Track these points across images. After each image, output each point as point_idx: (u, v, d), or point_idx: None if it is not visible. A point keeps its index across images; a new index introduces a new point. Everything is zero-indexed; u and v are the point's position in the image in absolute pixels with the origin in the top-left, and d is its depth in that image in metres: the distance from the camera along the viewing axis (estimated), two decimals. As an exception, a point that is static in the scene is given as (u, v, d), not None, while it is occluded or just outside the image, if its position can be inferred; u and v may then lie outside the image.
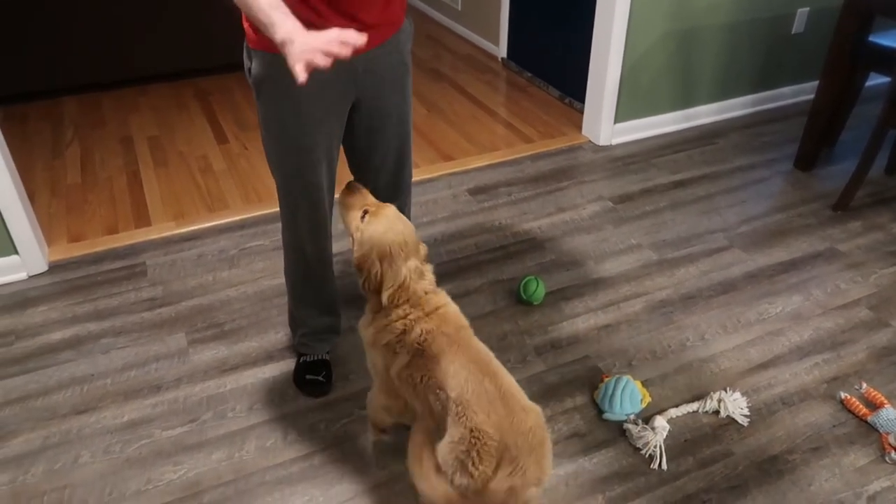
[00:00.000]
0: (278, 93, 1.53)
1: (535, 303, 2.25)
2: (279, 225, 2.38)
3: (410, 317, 1.41)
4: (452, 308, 1.47)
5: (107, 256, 2.51)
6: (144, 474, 1.71)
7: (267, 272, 2.43)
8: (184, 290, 2.35)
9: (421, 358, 1.40)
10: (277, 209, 2.41)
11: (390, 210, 1.45)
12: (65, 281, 2.39)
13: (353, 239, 1.46)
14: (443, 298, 1.46)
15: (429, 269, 1.45)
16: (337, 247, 1.91)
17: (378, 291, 1.41)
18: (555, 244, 2.56)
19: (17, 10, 3.41)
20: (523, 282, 2.24)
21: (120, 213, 2.76)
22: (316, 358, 1.98)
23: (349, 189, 1.52)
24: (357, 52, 1.48)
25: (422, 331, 1.40)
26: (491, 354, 1.43)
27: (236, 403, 1.91)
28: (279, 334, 2.16)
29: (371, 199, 1.49)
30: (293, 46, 1.20)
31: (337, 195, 1.67)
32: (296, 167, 1.64)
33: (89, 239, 2.61)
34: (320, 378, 1.94)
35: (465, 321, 1.47)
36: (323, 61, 1.18)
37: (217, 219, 2.73)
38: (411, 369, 1.43)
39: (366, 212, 1.45)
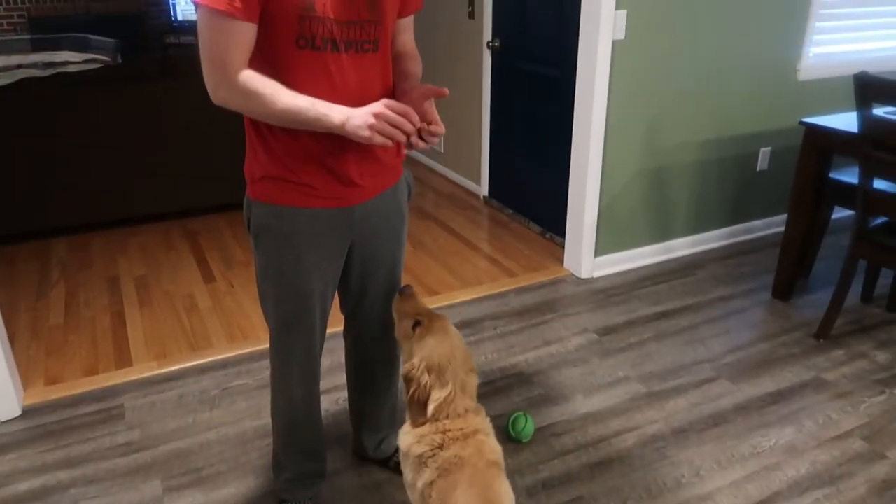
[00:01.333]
0: (278, 242, 1.56)
1: (525, 440, 2.19)
2: (263, 363, 2.38)
3: (449, 434, 1.41)
4: (490, 438, 1.47)
5: (84, 399, 2.45)
6: None
7: (249, 412, 2.37)
8: (162, 434, 2.27)
9: (444, 480, 1.38)
10: (261, 347, 2.41)
11: (442, 323, 1.48)
12: (37, 426, 2.31)
13: (402, 348, 1.49)
14: (482, 421, 1.47)
15: (473, 382, 1.47)
16: (325, 383, 1.88)
17: (424, 403, 1.42)
18: (542, 378, 2.54)
19: (8, 153, 3.54)
20: (512, 418, 2.20)
21: (101, 354, 2.72)
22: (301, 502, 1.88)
23: (402, 296, 1.56)
24: (355, 202, 1.56)
25: (456, 454, 1.39)
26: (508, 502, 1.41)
27: (211, 558, 1.80)
28: (259, 479, 2.06)
29: (423, 307, 1.53)
30: (354, 119, 1.34)
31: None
32: (292, 313, 1.64)
33: (67, 381, 2.55)
34: None
35: (499, 456, 1.45)
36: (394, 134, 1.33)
37: (200, 358, 2.69)
38: (433, 489, 1.39)
39: (417, 322, 1.47)
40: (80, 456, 2.17)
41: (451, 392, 1.40)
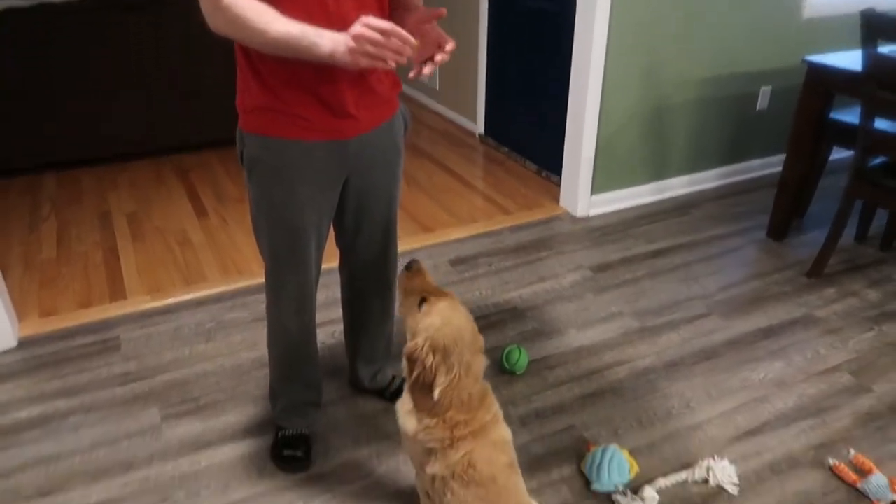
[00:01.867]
0: (270, 174, 1.55)
1: (518, 372, 2.22)
2: (258, 297, 2.38)
3: (457, 432, 1.35)
4: (499, 426, 1.41)
5: (79, 331, 2.45)
6: (110, 560, 1.62)
7: (245, 344, 2.38)
8: (158, 365, 2.29)
9: (463, 489, 1.35)
10: (256, 281, 2.40)
11: (448, 302, 1.38)
12: (34, 357, 2.32)
13: (406, 325, 1.41)
14: (488, 409, 1.39)
15: (480, 363, 1.37)
16: (321, 317, 1.89)
17: (429, 386, 1.32)
18: (536, 313, 2.56)
19: (0, 89, 3.45)
20: (506, 351, 2.22)
21: (94, 287, 2.71)
22: (295, 432, 1.90)
23: (408, 271, 1.47)
24: (350, 135, 1.52)
25: (468, 460, 1.34)
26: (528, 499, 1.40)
27: (210, 481, 1.83)
28: (257, 408, 2.09)
29: (431, 285, 1.44)
30: (339, 45, 1.29)
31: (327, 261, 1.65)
32: (286, 246, 1.64)
33: (62, 313, 2.55)
34: (299, 453, 1.87)
35: (510, 450, 1.41)
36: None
37: (194, 291, 2.69)
38: (445, 486, 1.37)
39: (423, 299, 1.39)
40: (77, 386, 2.18)
41: (455, 375, 1.31)
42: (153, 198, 3.50)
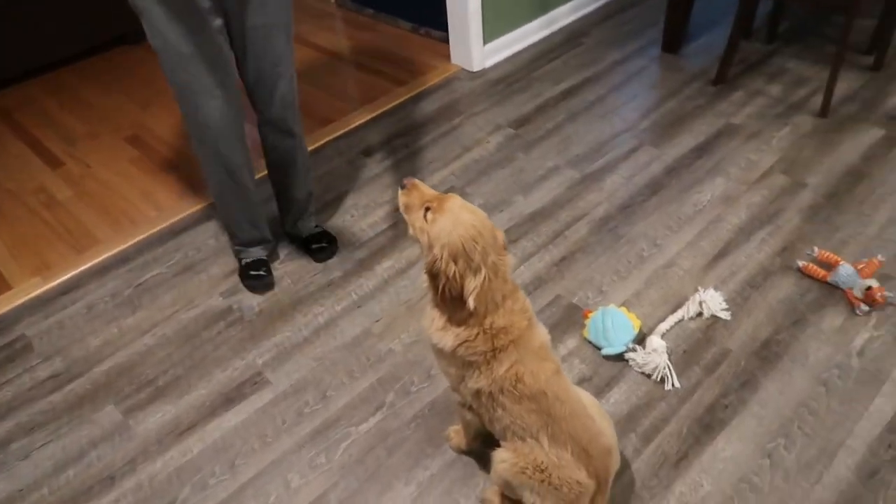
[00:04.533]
0: (151, 8, 1.58)
1: (486, 255, 2.12)
2: (169, 246, 2.29)
3: (498, 341, 1.25)
4: (538, 329, 1.33)
5: (-29, 341, 2.05)
6: (141, 586, 1.45)
7: (180, 303, 2.10)
8: (88, 355, 1.98)
9: (505, 398, 1.29)
10: (157, 228, 2.38)
11: (454, 201, 1.23)
12: (-72, 387, 1.93)
13: (421, 245, 1.26)
14: (524, 312, 1.29)
15: (506, 261, 1.26)
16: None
17: (460, 296, 1.21)
18: (475, 187, 2.43)
19: None
20: (468, 237, 2.10)
21: (-36, 285, 2.26)
22: (255, 258, 2.12)
23: (403, 189, 1.31)
24: None
25: (513, 370, 1.26)
26: (579, 397, 1.35)
27: (214, 466, 1.65)
28: (227, 371, 1.88)
29: (429, 192, 1.28)
30: None
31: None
32: (184, 80, 1.69)
33: (-62, 327, 2.12)
34: (262, 272, 2.09)
35: (551, 353, 1.34)
36: None
37: (90, 259, 2.31)
38: (493, 399, 1.30)
39: (427, 209, 1.23)
40: (2, 405, 1.85)
41: (485, 278, 1.20)
42: (-17, 157, 2.89)
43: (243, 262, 2.13)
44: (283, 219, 2.21)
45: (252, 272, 2.10)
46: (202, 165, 1.92)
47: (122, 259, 2.30)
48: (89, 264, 2.29)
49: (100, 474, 1.66)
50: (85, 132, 2.98)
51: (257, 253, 2.13)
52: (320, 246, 2.17)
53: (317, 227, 2.23)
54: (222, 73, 1.72)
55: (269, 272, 2.11)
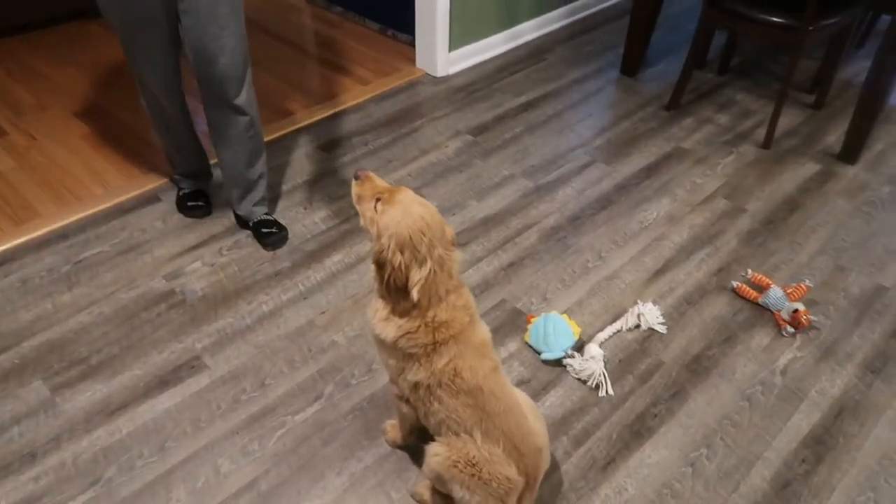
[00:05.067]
0: None
1: (435, 256, 2.15)
2: (113, 224, 2.33)
3: (439, 335, 1.26)
4: (479, 326, 1.35)
5: None
6: (57, 565, 1.41)
7: (121, 283, 2.06)
8: (19, 329, 1.92)
9: (443, 391, 1.31)
10: (103, 206, 2.39)
11: (405, 193, 1.25)
12: None
13: (371, 236, 1.27)
14: (467, 309, 1.31)
15: (454, 258, 1.27)
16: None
17: (404, 287, 1.22)
18: (431, 190, 2.46)
19: None
20: (419, 237, 2.12)
21: None
22: (193, 188, 2.28)
23: (356, 179, 1.32)
24: None
25: (451, 365, 1.28)
26: (515, 396, 1.37)
27: (143, 448, 1.62)
28: (163, 353, 1.85)
29: (381, 184, 1.30)
30: None
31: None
32: (127, 35, 1.81)
33: None
34: (200, 202, 2.27)
35: (492, 350, 1.36)
36: None
37: (29, 232, 2.24)
38: (430, 392, 1.32)
39: (378, 199, 1.25)
40: (-79, 375, 1.78)
41: (430, 270, 1.22)
42: (-79, 120, 2.78)
43: (181, 192, 2.29)
44: (230, 196, 2.19)
45: (189, 203, 2.26)
46: (141, 92, 2.04)
47: (63, 235, 2.24)
48: (27, 237, 2.22)
49: (20, 450, 1.61)
50: (33, 104, 2.89)
51: (197, 185, 2.29)
52: (269, 231, 2.17)
53: (267, 214, 2.23)
54: (162, 30, 1.81)
55: (207, 202, 2.28)
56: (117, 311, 1.97)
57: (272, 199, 2.36)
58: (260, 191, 2.17)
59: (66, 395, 1.74)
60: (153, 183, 2.44)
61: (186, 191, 2.27)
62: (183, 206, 2.27)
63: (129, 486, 1.54)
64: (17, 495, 1.52)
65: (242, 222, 2.24)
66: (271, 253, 2.17)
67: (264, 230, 2.17)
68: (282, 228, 2.19)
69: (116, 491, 1.53)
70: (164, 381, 1.78)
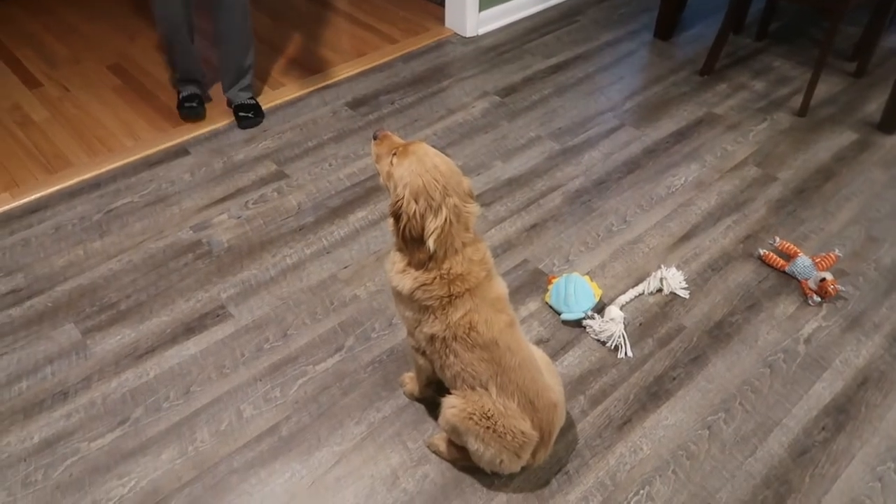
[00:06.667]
0: None
1: (459, 215, 2.15)
2: (143, 176, 2.34)
3: (455, 287, 1.27)
4: (496, 282, 1.35)
5: (-68, 250, 2.03)
6: (86, 498, 1.46)
7: (149, 233, 2.10)
8: (52, 273, 1.97)
9: (458, 344, 1.32)
10: (133, 157, 2.40)
11: (419, 146, 1.26)
12: None
13: (388, 189, 1.29)
14: (484, 264, 1.31)
15: (471, 210, 1.28)
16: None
17: (420, 237, 1.23)
18: (456, 149, 2.45)
19: None
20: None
21: (-70, 194, 2.22)
22: (190, 93, 2.53)
23: (375, 139, 1.35)
24: None
25: (467, 318, 1.29)
26: (531, 352, 1.38)
27: (169, 391, 1.67)
28: (190, 301, 1.89)
29: (398, 140, 1.32)
30: None
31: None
32: None
33: None
34: (194, 104, 2.52)
35: (507, 305, 1.37)
36: None
37: (62, 181, 2.29)
38: (445, 345, 1.33)
39: (395, 154, 1.26)
40: (-41, 315, 1.85)
41: (446, 219, 1.22)
42: (-41, 70, 2.83)
43: (181, 95, 2.55)
44: (224, 81, 2.53)
45: (186, 104, 2.52)
46: (154, 9, 2.29)
47: (94, 184, 2.28)
48: (60, 186, 2.27)
49: (53, 389, 1.67)
50: (67, 56, 2.92)
51: (193, 89, 2.55)
52: (246, 115, 2.51)
53: (251, 99, 2.55)
54: None
55: (200, 104, 2.54)
56: (146, 260, 2.01)
57: (298, 154, 2.37)
58: (248, 78, 2.51)
59: (97, 338, 1.79)
60: (182, 136, 2.47)
61: (185, 94, 2.54)
62: (181, 106, 2.53)
63: (156, 427, 1.59)
64: (49, 430, 1.58)
65: (228, 103, 2.58)
66: (296, 207, 2.19)
67: (242, 114, 2.51)
68: (259, 113, 2.53)
69: (143, 430, 1.58)
70: (190, 329, 1.82)
